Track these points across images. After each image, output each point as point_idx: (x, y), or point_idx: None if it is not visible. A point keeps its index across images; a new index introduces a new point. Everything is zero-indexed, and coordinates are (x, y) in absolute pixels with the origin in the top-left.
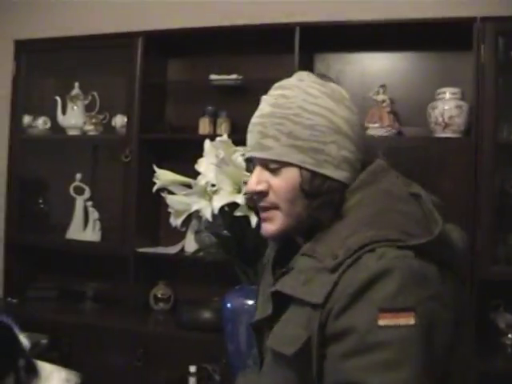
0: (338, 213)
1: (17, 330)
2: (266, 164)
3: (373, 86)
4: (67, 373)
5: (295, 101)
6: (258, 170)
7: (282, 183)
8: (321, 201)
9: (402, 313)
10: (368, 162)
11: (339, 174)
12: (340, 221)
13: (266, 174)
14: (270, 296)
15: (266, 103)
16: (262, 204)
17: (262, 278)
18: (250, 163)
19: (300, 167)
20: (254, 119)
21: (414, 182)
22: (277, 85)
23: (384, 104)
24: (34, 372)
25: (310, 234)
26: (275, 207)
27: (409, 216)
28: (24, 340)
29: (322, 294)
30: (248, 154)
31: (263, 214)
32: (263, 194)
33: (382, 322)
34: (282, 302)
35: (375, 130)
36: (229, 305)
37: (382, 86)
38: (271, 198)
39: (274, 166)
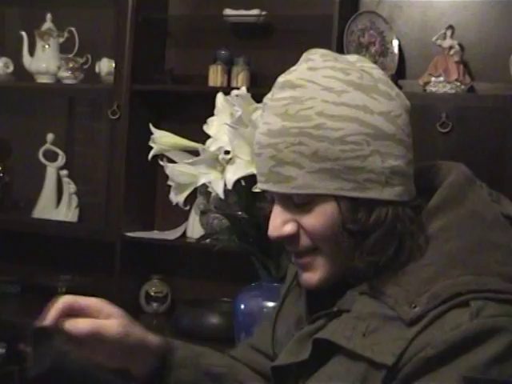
0: (415, 242)
1: None
2: (289, 198)
3: (437, 27)
4: None
5: (313, 105)
6: (278, 207)
7: (317, 221)
8: (375, 239)
9: None
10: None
11: (390, 193)
12: (418, 255)
13: (292, 211)
14: (305, 338)
15: (272, 113)
16: (295, 249)
17: (283, 301)
18: (266, 193)
19: (336, 197)
20: (261, 138)
21: (503, 196)
22: (282, 80)
23: (451, 52)
24: None
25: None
26: (313, 249)
27: (509, 252)
28: None
29: (393, 353)
30: (262, 187)
31: (299, 261)
32: (294, 238)
33: None
34: (322, 347)
35: (439, 85)
36: (243, 307)
37: (450, 28)
38: (305, 241)
39: (301, 202)
